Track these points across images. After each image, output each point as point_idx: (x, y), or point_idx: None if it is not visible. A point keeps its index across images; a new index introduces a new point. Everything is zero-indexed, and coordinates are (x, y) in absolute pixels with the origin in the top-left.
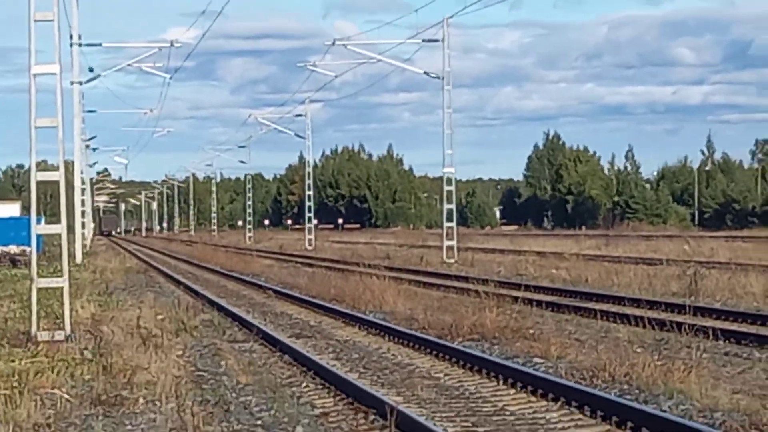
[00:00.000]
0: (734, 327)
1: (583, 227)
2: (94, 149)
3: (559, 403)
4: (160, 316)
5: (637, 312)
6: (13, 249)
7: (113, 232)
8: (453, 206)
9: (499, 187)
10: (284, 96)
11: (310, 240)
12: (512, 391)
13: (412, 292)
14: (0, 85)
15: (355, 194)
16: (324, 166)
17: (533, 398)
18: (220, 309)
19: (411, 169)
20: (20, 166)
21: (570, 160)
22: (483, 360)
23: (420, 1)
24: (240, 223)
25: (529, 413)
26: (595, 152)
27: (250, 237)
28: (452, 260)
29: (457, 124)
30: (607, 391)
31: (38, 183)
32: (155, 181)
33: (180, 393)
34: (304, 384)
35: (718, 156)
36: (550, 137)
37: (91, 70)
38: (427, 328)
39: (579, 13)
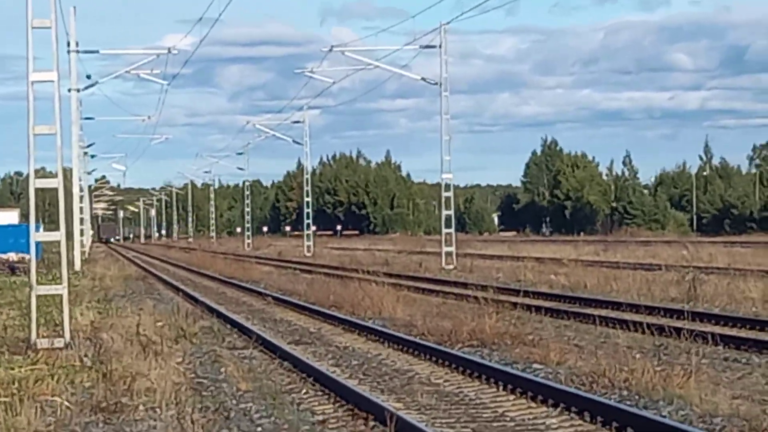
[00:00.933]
0: (733, 332)
1: (582, 233)
2: (93, 156)
3: (559, 409)
4: (159, 323)
5: (636, 317)
6: (12, 256)
7: (112, 239)
8: (451, 212)
9: (497, 193)
10: (282, 103)
11: (308, 246)
12: (512, 397)
13: (411, 298)
14: None
15: (353, 201)
16: (322, 173)
17: (533, 404)
18: (220, 316)
19: (409, 176)
20: (19, 174)
21: (568, 165)
22: (482, 366)
23: (417, 8)
24: (239, 229)
25: (529, 419)
26: (593, 158)
27: (248, 244)
28: (451, 266)
29: (454, 130)
30: (606, 397)
31: (37, 190)
32: (153, 188)
33: (180, 400)
34: (303, 390)
35: (716, 161)
36: (548, 143)
37: (88, 77)
38: (427, 334)
39: (574, 18)
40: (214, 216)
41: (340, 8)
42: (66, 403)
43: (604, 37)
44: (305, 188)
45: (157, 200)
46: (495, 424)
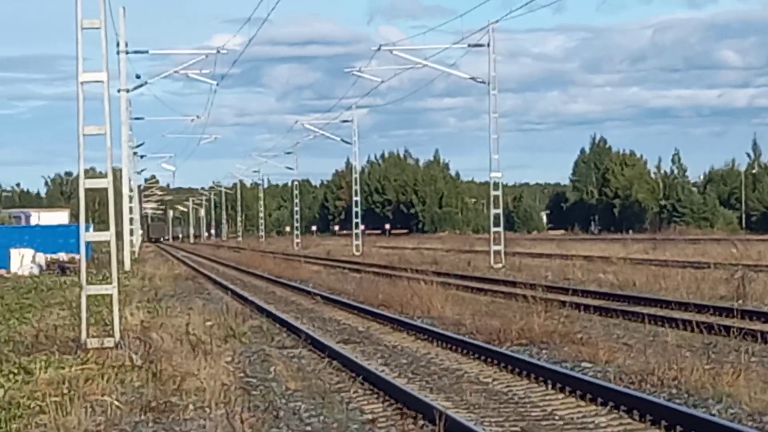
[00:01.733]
0: None
1: (630, 231)
2: (142, 156)
3: (608, 408)
4: (208, 323)
5: (685, 316)
6: (63, 256)
7: (161, 239)
8: (500, 211)
9: (545, 191)
10: (330, 102)
11: (357, 246)
12: (561, 395)
13: (460, 297)
14: (48, 92)
15: (401, 199)
16: (371, 172)
17: (582, 403)
18: (269, 315)
19: (457, 174)
20: (69, 174)
21: (616, 164)
22: (531, 365)
23: (465, 6)
24: (287, 229)
25: (578, 418)
26: (641, 156)
27: (297, 243)
28: (499, 265)
29: (503, 128)
30: (655, 396)
31: (87, 190)
32: (203, 188)
33: (229, 399)
34: (353, 389)
35: (764, 159)
36: (597, 141)
37: (138, 77)
38: (475, 333)
39: (622, 16)
40: (263, 215)
41: (387, 7)
42: (116, 402)
43: (652, 34)
44: (354, 187)
45: (207, 200)
46: (544, 423)
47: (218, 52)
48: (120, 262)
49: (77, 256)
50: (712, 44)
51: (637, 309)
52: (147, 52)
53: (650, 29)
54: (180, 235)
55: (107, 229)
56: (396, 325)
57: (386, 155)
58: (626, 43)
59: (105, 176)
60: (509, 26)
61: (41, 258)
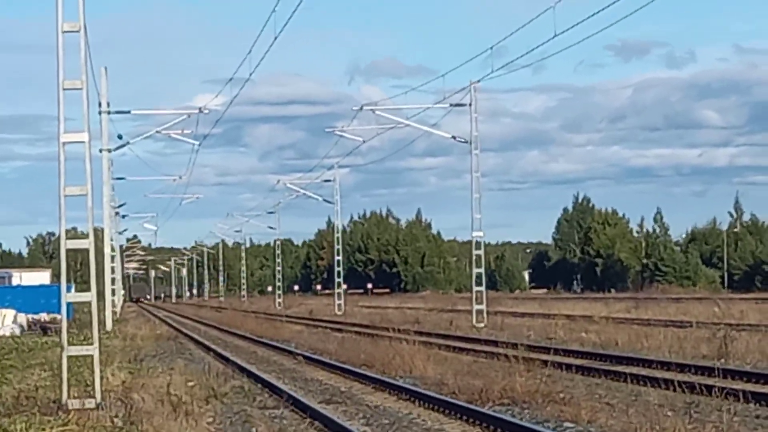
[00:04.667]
0: (765, 390)
1: (613, 290)
2: (124, 216)
3: None
4: (190, 383)
5: (668, 375)
6: (44, 317)
7: (143, 299)
8: (482, 270)
9: (528, 250)
10: (312, 162)
11: (339, 305)
12: None
13: (442, 356)
14: (30, 153)
15: (384, 259)
16: (353, 231)
17: None
18: (250, 375)
19: (439, 234)
20: (51, 234)
21: (599, 222)
22: (514, 425)
23: (446, 66)
24: (270, 288)
25: None
26: (624, 215)
27: (279, 303)
28: (482, 324)
29: (484, 187)
30: None
31: (68, 251)
32: (185, 248)
33: None
34: None
35: (746, 218)
36: (580, 200)
37: (120, 137)
38: (457, 392)
39: (600, 76)
40: (245, 275)
41: (368, 67)
42: None
43: (632, 94)
44: (336, 247)
45: (188, 260)
46: None
47: (200, 111)
48: (101, 323)
49: (59, 317)
50: (692, 103)
51: (620, 368)
52: (129, 112)
53: (630, 89)
54: (162, 295)
55: (89, 289)
56: (378, 385)
57: (368, 215)
58: (606, 102)
59: (87, 236)
60: (490, 86)
61: (23, 318)
